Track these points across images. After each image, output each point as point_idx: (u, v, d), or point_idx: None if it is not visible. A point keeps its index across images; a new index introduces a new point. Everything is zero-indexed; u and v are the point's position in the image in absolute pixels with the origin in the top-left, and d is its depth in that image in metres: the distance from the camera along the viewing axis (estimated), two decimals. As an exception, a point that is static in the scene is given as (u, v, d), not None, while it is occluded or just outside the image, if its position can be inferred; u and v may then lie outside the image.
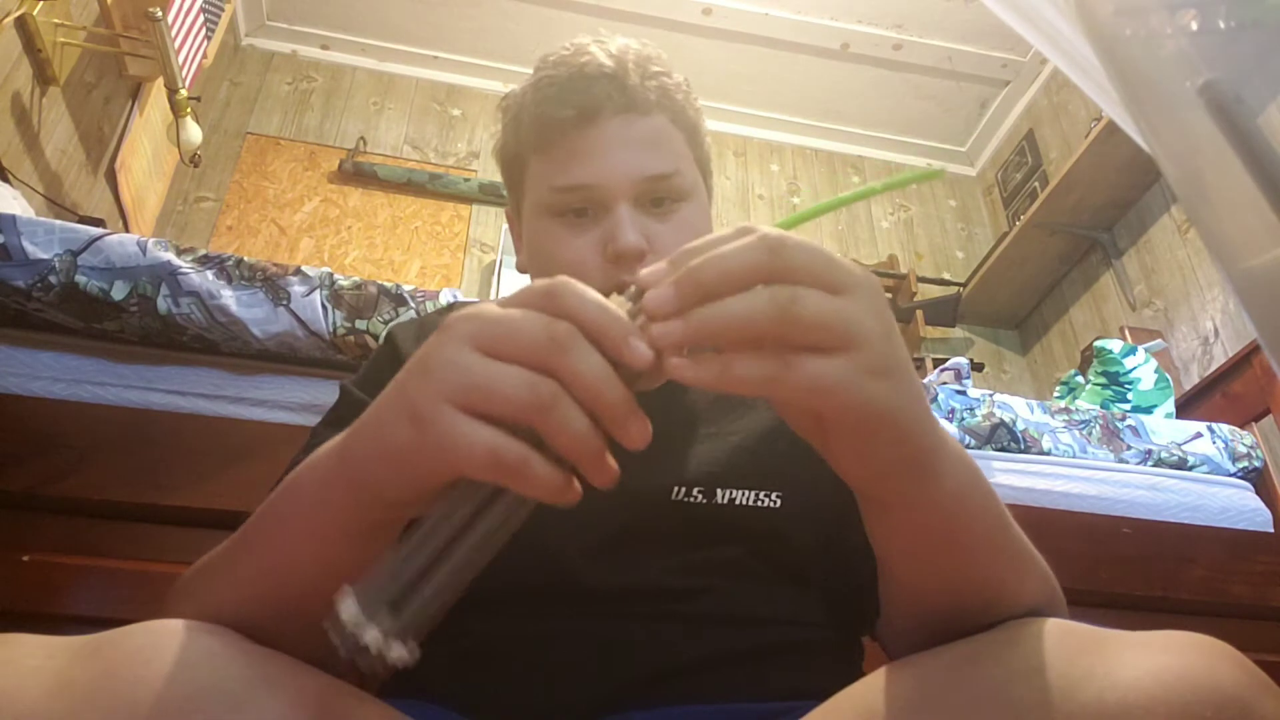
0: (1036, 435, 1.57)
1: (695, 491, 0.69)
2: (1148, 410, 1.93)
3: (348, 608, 0.35)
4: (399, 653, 0.35)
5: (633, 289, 0.41)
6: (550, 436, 0.38)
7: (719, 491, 0.70)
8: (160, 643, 0.42)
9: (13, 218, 1.29)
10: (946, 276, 3.65)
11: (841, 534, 0.70)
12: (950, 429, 1.52)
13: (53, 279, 1.26)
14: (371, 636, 0.34)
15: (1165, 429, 1.67)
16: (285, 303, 1.33)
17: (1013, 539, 0.53)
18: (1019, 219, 3.35)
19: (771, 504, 0.70)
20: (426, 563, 0.37)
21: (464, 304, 0.88)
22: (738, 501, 0.70)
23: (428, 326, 0.83)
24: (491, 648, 0.64)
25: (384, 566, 0.37)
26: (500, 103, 0.84)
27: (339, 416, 0.75)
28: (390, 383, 0.44)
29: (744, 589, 0.67)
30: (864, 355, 0.39)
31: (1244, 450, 1.64)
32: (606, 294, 0.74)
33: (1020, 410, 1.60)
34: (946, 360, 1.96)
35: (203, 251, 1.36)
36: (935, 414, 1.52)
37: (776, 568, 0.69)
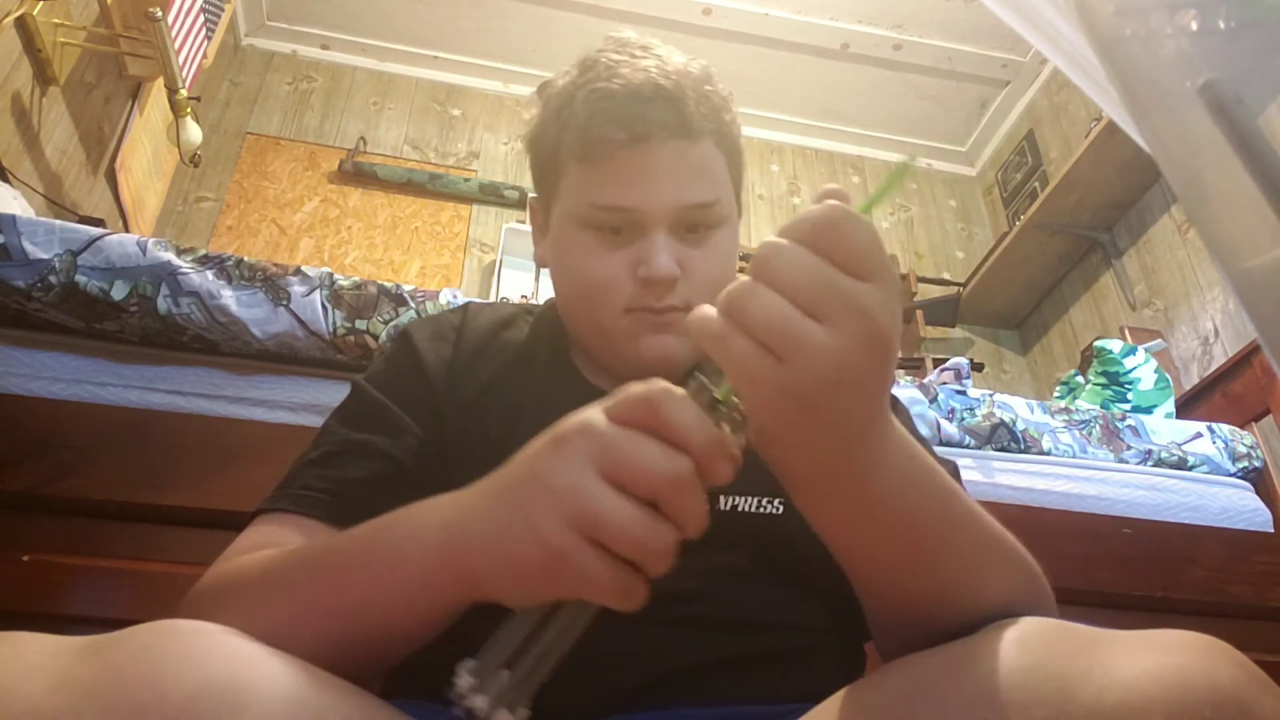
0: (1036, 435, 1.57)
1: None
2: (1148, 410, 1.93)
3: (466, 681, 0.42)
4: (505, 718, 0.42)
5: (694, 385, 0.44)
6: (651, 568, 0.43)
7: (722, 498, 0.70)
8: (164, 642, 0.42)
9: (13, 218, 1.29)
10: (946, 276, 3.65)
11: None
12: (950, 429, 1.52)
13: (53, 279, 1.26)
14: (482, 703, 0.42)
15: (1165, 429, 1.67)
16: (285, 303, 1.33)
17: (979, 539, 0.54)
18: (1019, 219, 3.35)
19: (774, 511, 0.70)
20: (533, 650, 0.44)
21: (478, 305, 0.88)
22: (740, 508, 0.70)
23: (442, 325, 0.83)
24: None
25: (496, 646, 0.44)
26: (540, 90, 0.81)
27: (354, 414, 0.75)
28: (500, 479, 0.47)
29: (746, 593, 0.67)
30: (890, 288, 0.42)
31: (1244, 450, 1.64)
32: (630, 310, 0.75)
33: (1020, 410, 1.60)
34: (946, 360, 1.96)
35: (203, 251, 1.36)
36: (934, 413, 1.53)
37: (779, 573, 0.69)
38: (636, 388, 0.43)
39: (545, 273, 3.05)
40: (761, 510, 0.70)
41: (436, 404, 0.75)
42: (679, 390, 0.43)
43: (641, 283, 0.74)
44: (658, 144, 0.74)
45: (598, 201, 0.75)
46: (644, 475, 0.42)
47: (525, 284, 3.07)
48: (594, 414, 0.44)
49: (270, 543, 0.63)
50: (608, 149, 0.74)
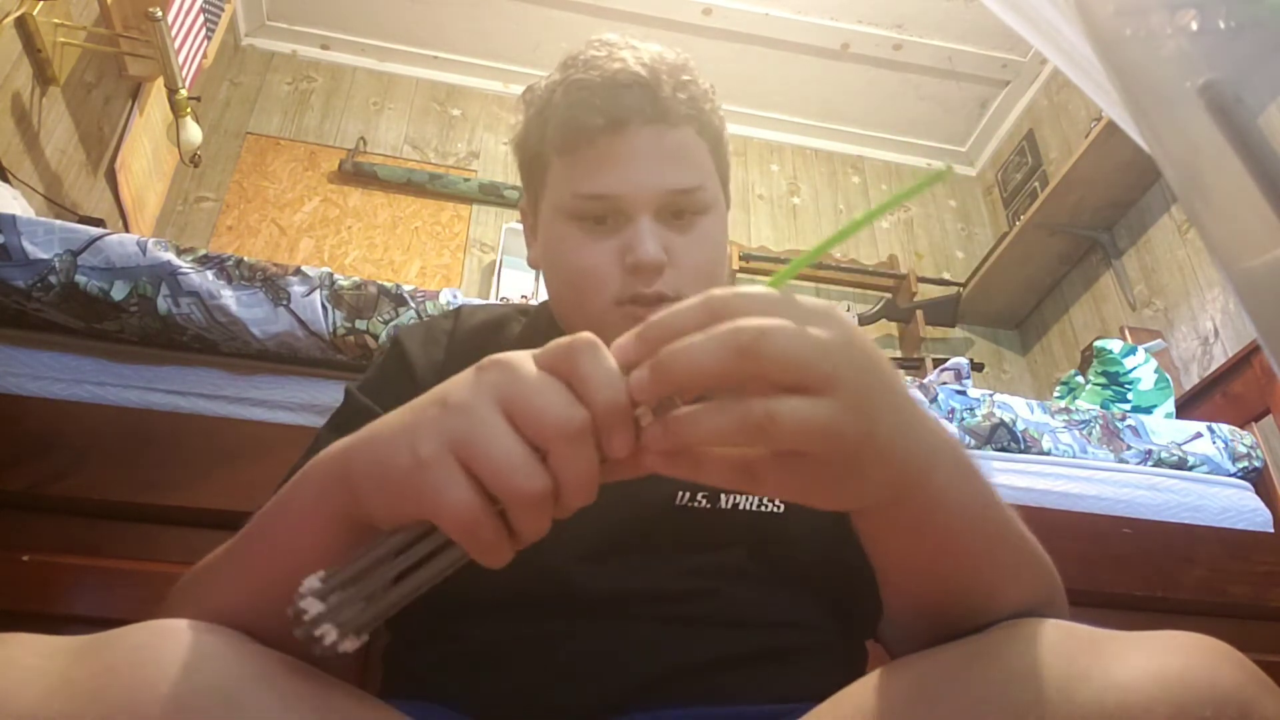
0: (1036, 435, 1.57)
1: (700, 496, 0.70)
2: (1148, 410, 1.93)
3: (310, 603, 0.40)
4: (349, 645, 0.39)
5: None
6: (517, 520, 0.40)
7: (723, 496, 0.70)
8: (160, 642, 0.42)
9: (13, 218, 1.29)
10: (946, 276, 3.65)
11: (844, 538, 0.70)
12: (950, 429, 1.52)
13: (53, 279, 1.26)
14: (326, 629, 0.39)
15: (1165, 429, 1.67)
16: (285, 303, 1.33)
17: (1011, 542, 0.53)
18: (1019, 219, 3.35)
19: (775, 509, 0.70)
20: (378, 584, 0.41)
21: (470, 307, 0.88)
22: (741, 506, 0.70)
23: (434, 330, 0.83)
24: (494, 650, 0.65)
25: (349, 564, 0.41)
26: (524, 94, 0.83)
27: (343, 422, 0.75)
28: (407, 400, 0.46)
29: (746, 592, 0.67)
30: (846, 391, 0.39)
31: (1244, 450, 1.64)
32: (622, 302, 0.74)
33: (1020, 410, 1.60)
34: (946, 360, 1.96)
35: (203, 251, 1.36)
36: (935, 413, 1.52)
37: (779, 571, 0.69)
38: (565, 337, 0.42)
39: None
40: (763, 509, 0.70)
41: None
42: (603, 346, 0.41)
43: (629, 270, 0.74)
44: (635, 130, 0.75)
45: (580, 190, 0.75)
46: (534, 415, 0.40)
47: (525, 284, 3.07)
48: (522, 353, 0.43)
49: None
50: (586, 136, 0.75)
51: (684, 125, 0.77)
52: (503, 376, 0.42)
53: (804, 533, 0.70)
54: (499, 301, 2.51)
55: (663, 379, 0.39)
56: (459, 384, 0.43)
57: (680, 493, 0.70)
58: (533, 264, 0.85)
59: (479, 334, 0.82)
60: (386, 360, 0.81)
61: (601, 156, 0.75)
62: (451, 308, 0.89)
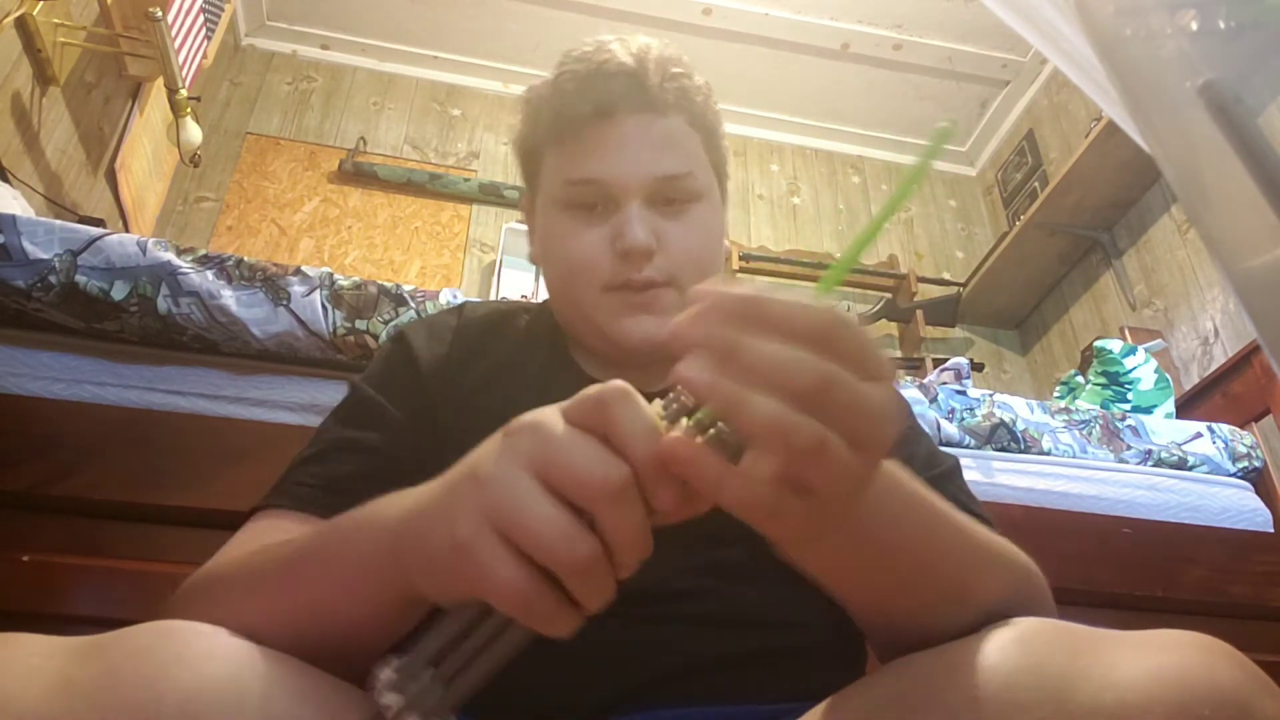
0: (1036, 435, 1.57)
1: None
2: (1148, 410, 1.93)
3: (391, 697, 0.39)
4: None
5: (672, 401, 0.40)
6: (574, 588, 0.39)
7: None
8: (161, 643, 0.42)
9: (13, 218, 1.29)
10: (946, 276, 3.65)
11: None
12: (950, 429, 1.52)
13: (53, 279, 1.26)
14: (394, 700, 0.39)
15: (1165, 429, 1.67)
16: (285, 303, 1.33)
17: (959, 549, 0.53)
18: (1019, 219, 3.35)
19: None
20: (453, 666, 0.40)
21: (474, 303, 0.88)
22: None
23: (438, 325, 0.83)
24: None
25: (422, 646, 0.40)
26: (523, 94, 0.84)
27: (348, 413, 0.75)
28: (412, 394, 0.44)
29: (746, 591, 0.67)
30: (881, 451, 0.40)
31: (1244, 450, 1.64)
32: (612, 288, 0.74)
33: (1020, 410, 1.60)
34: (946, 360, 1.96)
35: (203, 251, 1.36)
36: (934, 413, 1.52)
37: (779, 570, 0.69)
38: (594, 387, 0.40)
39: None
40: None
41: (430, 400, 0.75)
42: (636, 394, 0.40)
43: (620, 256, 0.74)
44: (623, 117, 0.76)
45: (570, 177, 0.77)
46: (572, 477, 0.38)
47: (525, 284, 3.07)
48: (549, 411, 0.41)
49: (264, 538, 0.63)
50: (575, 125, 0.77)
51: (673, 114, 0.78)
52: (533, 440, 0.40)
53: None
54: (498, 300, 2.51)
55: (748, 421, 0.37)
56: (488, 454, 0.42)
57: None
58: (533, 260, 0.85)
59: (483, 329, 0.83)
60: (390, 355, 0.81)
61: (590, 143, 0.76)
62: (455, 305, 0.89)
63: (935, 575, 0.51)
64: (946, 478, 0.74)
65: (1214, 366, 2.23)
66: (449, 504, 0.42)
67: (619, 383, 0.40)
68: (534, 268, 3.05)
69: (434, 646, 0.40)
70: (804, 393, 0.36)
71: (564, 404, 0.41)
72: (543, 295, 0.90)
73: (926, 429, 1.49)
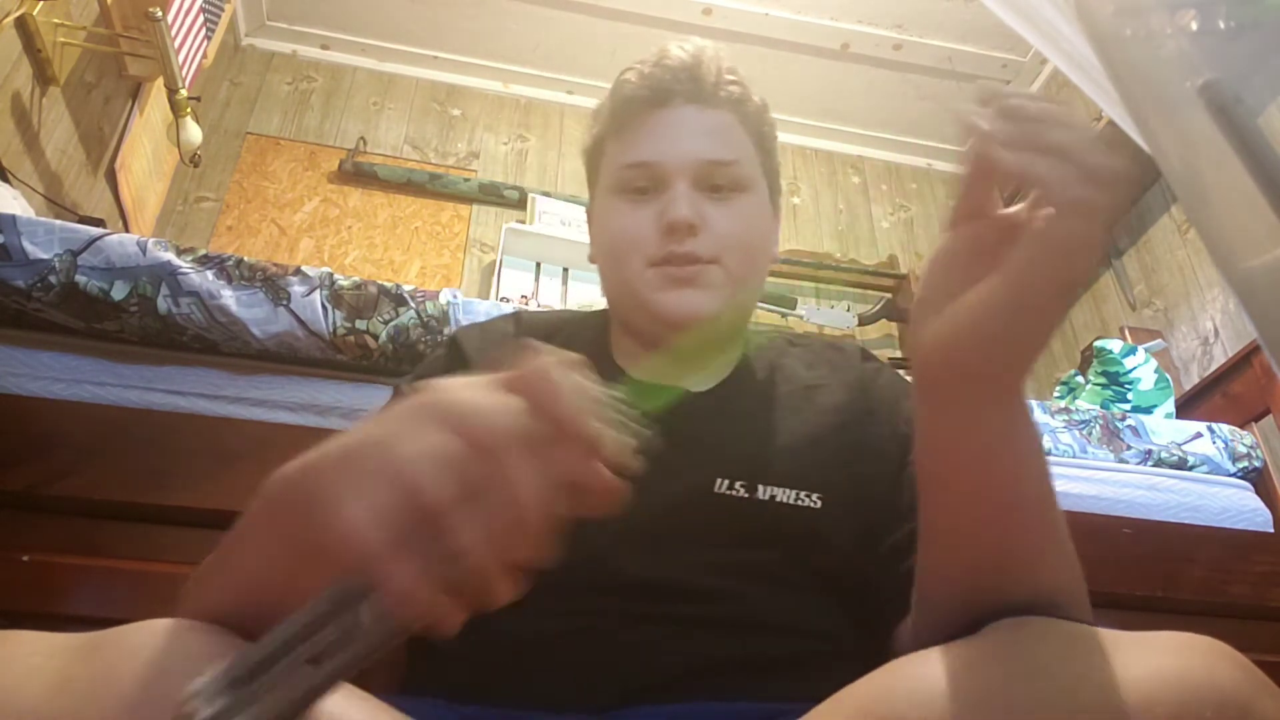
0: (1036, 435, 1.56)
1: (738, 485, 0.70)
2: (1148, 410, 1.93)
3: (195, 704, 0.34)
4: None
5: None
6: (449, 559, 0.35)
7: (760, 488, 0.70)
8: (160, 641, 0.42)
9: (13, 218, 1.29)
10: (946, 276, 3.64)
11: (877, 537, 0.70)
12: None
13: (53, 279, 1.26)
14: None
15: (1165, 429, 1.67)
16: (285, 303, 1.33)
17: (1055, 520, 0.55)
18: (1019, 219, 3.34)
19: (812, 504, 0.70)
20: (280, 676, 0.35)
21: (531, 312, 0.92)
22: (779, 499, 0.70)
23: (491, 333, 0.85)
24: (513, 640, 0.64)
25: (236, 668, 0.35)
26: (593, 108, 0.90)
27: None
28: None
29: (769, 595, 0.67)
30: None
31: (1244, 450, 1.64)
32: (656, 263, 0.77)
33: (1020, 410, 1.60)
34: (946, 360, 1.95)
35: (203, 251, 1.36)
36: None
37: (810, 574, 0.69)
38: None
39: (544, 273, 3.05)
40: (799, 503, 0.70)
41: None
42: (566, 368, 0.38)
43: (664, 230, 0.77)
44: (677, 105, 0.81)
45: (624, 161, 0.81)
46: (473, 417, 0.36)
47: (525, 284, 3.07)
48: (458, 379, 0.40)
49: None
50: (632, 111, 0.82)
51: (724, 109, 0.82)
52: (433, 394, 0.39)
53: (839, 531, 0.70)
54: (514, 304, 2.51)
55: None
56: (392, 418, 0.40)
57: (719, 480, 0.70)
58: (591, 260, 0.88)
59: (540, 338, 0.83)
60: (441, 358, 0.82)
61: (644, 128, 0.81)
62: (509, 312, 0.90)
63: (1025, 531, 0.53)
64: None
65: (1214, 366, 2.23)
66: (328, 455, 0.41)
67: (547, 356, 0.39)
68: (534, 267, 3.06)
69: (258, 654, 0.35)
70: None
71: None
72: (543, 296, 0.90)
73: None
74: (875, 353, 0.89)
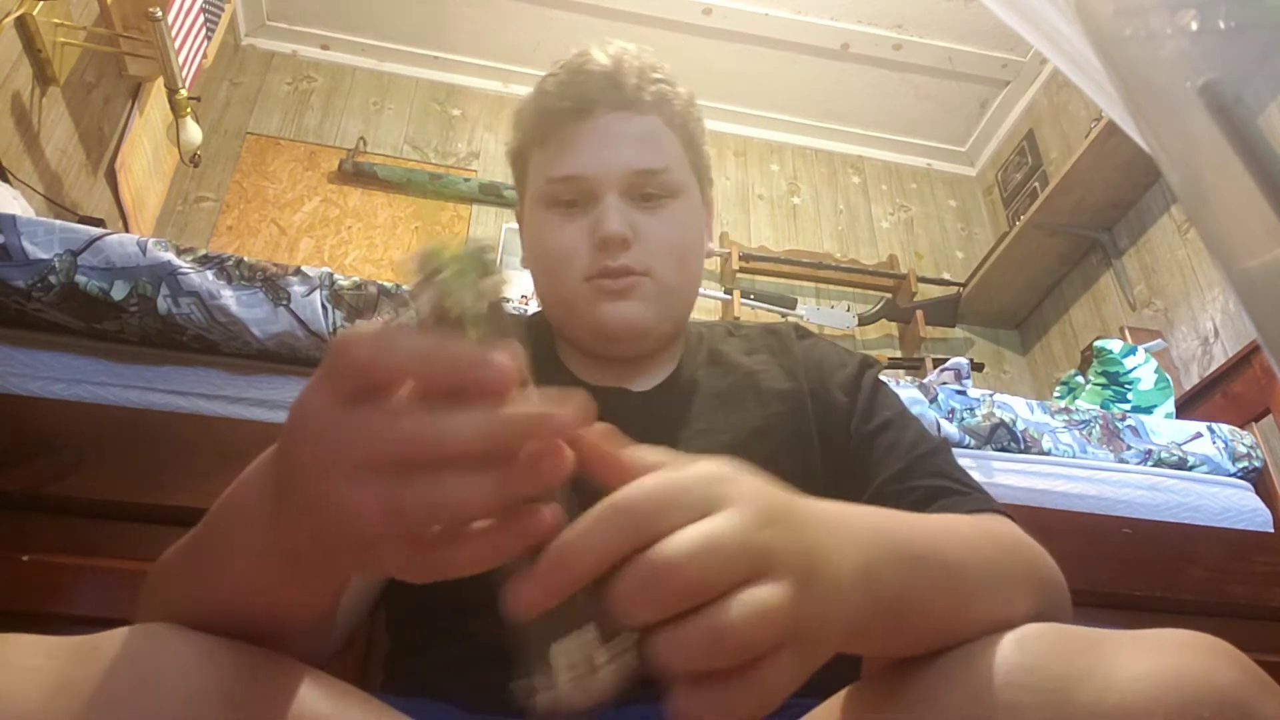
0: (1036, 435, 1.56)
1: None
2: (1148, 410, 1.93)
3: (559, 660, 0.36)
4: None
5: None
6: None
7: None
8: (160, 644, 0.42)
9: (13, 218, 1.29)
10: (946, 276, 3.65)
11: None
12: (950, 429, 1.52)
13: (53, 279, 1.26)
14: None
15: (1165, 429, 1.67)
16: (285, 303, 1.33)
17: (997, 571, 0.50)
18: (1019, 219, 3.35)
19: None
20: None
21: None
22: None
23: (529, 328, 0.86)
24: (491, 644, 0.65)
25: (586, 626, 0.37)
26: (515, 108, 0.88)
27: None
28: None
29: None
30: (781, 564, 0.36)
31: (1244, 450, 1.64)
32: (591, 277, 0.76)
33: (1020, 410, 1.60)
34: (946, 360, 1.96)
35: (203, 251, 1.36)
36: (934, 413, 1.52)
37: None
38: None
39: (545, 273, 3.06)
40: None
41: None
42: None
43: (597, 245, 0.77)
44: (600, 114, 0.80)
45: (551, 174, 0.80)
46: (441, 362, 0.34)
47: (525, 284, 3.07)
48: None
49: None
50: (555, 122, 0.80)
51: (650, 113, 0.81)
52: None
53: None
54: (514, 304, 2.50)
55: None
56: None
57: None
58: (524, 264, 0.87)
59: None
60: None
61: (568, 140, 0.80)
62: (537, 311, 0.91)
63: (968, 620, 0.47)
64: (934, 454, 0.73)
65: (1214, 366, 2.23)
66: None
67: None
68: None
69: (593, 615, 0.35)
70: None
71: None
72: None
73: (927, 430, 1.49)
74: (875, 353, 0.90)
